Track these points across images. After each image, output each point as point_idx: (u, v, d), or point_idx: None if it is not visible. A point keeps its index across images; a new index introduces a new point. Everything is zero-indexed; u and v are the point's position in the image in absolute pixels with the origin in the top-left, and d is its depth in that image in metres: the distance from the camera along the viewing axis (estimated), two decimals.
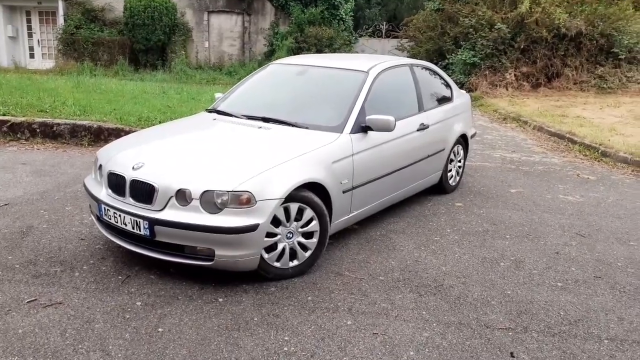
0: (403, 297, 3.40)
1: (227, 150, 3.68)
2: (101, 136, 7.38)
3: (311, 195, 3.54)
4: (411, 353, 2.81)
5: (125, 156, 3.66)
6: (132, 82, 13.10)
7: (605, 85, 14.29)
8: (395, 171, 4.47)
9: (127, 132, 7.28)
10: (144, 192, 3.35)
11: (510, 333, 3.04)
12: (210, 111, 4.67)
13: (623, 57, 14.44)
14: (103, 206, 3.53)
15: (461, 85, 15.13)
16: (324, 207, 3.61)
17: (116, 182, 3.51)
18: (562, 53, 14.53)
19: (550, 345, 2.93)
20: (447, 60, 15.94)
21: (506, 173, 6.75)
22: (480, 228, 4.71)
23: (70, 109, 7.99)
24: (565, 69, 14.68)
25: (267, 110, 4.34)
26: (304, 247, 3.59)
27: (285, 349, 2.80)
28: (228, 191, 3.18)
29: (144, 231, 3.31)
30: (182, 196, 3.25)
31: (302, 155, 3.58)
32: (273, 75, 4.95)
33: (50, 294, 3.28)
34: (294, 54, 14.81)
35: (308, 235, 3.59)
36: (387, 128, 4.03)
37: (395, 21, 19.06)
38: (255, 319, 3.08)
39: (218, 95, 5.03)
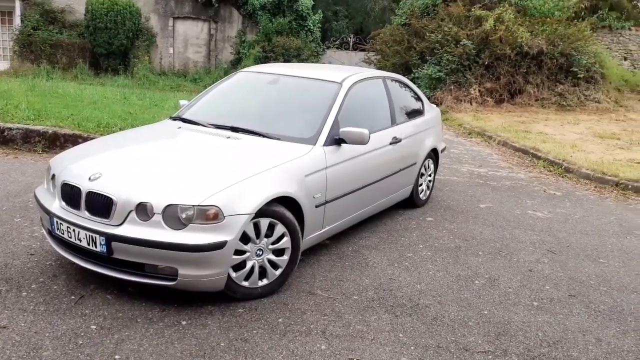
0: (378, 318, 3.24)
1: (193, 162, 3.46)
2: (57, 142, 6.98)
3: (283, 210, 3.35)
4: None
5: (82, 166, 3.39)
6: (91, 86, 12.60)
7: (564, 103, 14.67)
8: (368, 185, 4.33)
9: (85, 139, 6.91)
10: (101, 205, 3.09)
11: (490, 356, 2.92)
12: (174, 119, 4.43)
13: (582, 76, 14.87)
14: (55, 219, 3.25)
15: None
16: (296, 223, 3.43)
17: (70, 194, 3.23)
18: (525, 70, 14.85)
19: None
20: (413, 74, 16.04)
21: (474, 188, 6.73)
22: (452, 244, 4.62)
23: (24, 112, 7.55)
24: (527, 85, 14.99)
25: (236, 119, 4.14)
26: (274, 265, 3.40)
27: None
28: (194, 205, 2.96)
29: (100, 247, 3.05)
30: (143, 210, 3.01)
31: (273, 167, 3.39)
32: (242, 83, 4.75)
33: None
34: (261, 63, 14.62)
35: (279, 252, 3.40)
36: (361, 141, 3.90)
37: (362, 34, 19.15)
38: (222, 344, 2.86)
39: (183, 102, 4.80)
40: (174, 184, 3.13)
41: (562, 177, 7.88)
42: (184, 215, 2.97)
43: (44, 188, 3.61)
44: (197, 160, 3.48)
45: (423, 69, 15.48)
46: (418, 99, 5.62)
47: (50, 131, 7.02)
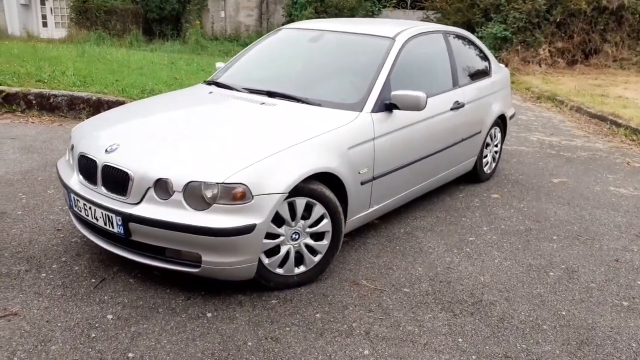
0: (433, 317, 2.76)
1: (221, 132, 3.03)
2: (100, 109, 6.77)
3: (322, 188, 2.89)
4: None
5: (100, 136, 3.06)
6: (141, 52, 12.45)
7: None
8: (424, 158, 3.79)
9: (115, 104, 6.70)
10: (117, 180, 2.74)
11: None
12: (208, 83, 4.02)
13: None
14: (73, 195, 2.94)
15: None
16: (337, 203, 2.96)
17: (87, 167, 2.91)
18: (602, 27, 13.44)
19: None
20: (476, 34, 14.93)
21: (546, 159, 5.99)
22: (522, 226, 4.02)
23: (70, 79, 7.40)
24: (604, 44, 13.60)
25: (273, 83, 3.68)
26: (313, 251, 2.96)
27: None
28: (218, 183, 2.55)
29: (117, 228, 2.71)
30: (163, 187, 2.63)
31: (311, 138, 2.92)
32: (283, 41, 4.26)
33: (7, 300, 2.73)
34: None
35: (318, 236, 2.96)
36: (416, 106, 3.34)
37: None
38: (250, 343, 2.48)
39: (219, 64, 4.37)
40: (197, 158, 2.73)
41: None
42: (207, 194, 2.57)
43: (66, 160, 3.32)
44: (226, 130, 3.05)
45: (487, 27, 14.34)
46: (484, 58, 4.94)
47: (94, 98, 6.83)
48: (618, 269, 3.41)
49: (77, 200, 2.89)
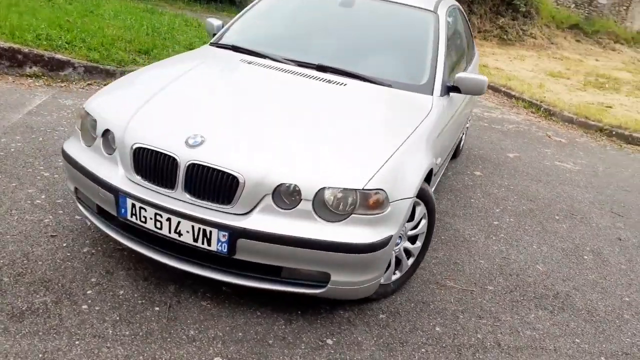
0: (536, 317, 2.72)
1: (315, 121, 2.49)
2: None
3: (426, 186, 2.60)
4: None
5: (164, 122, 2.33)
6: None
7: (505, 37, 14.66)
8: (452, 143, 3.67)
9: (27, 55, 5.35)
10: (213, 184, 2.12)
11: None
12: (222, 46, 3.31)
13: (522, 10, 14.85)
14: (129, 201, 2.21)
15: None
16: (434, 201, 2.70)
17: (154, 164, 2.19)
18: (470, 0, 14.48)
19: None
20: None
21: (486, 132, 6.31)
22: (523, 206, 4.18)
23: None
24: (471, 15, 14.69)
25: (317, 53, 3.17)
26: (408, 254, 2.68)
27: None
28: (357, 190, 2.12)
29: (217, 246, 2.12)
30: (284, 195, 2.11)
31: (414, 131, 2.58)
32: (304, 2, 3.68)
33: (62, 353, 1.99)
34: None
35: (413, 238, 2.68)
36: (479, 91, 3.18)
37: None
38: None
39: (215, 21, 3.63)
40: (318, 158, 2.22)
41: (547, 119, 7.74)
42: (344, 204, 2.11)
43: (81, 145, 2.48)
44: (319, 119, 2.52)
45: None
46: (470, 33, 4.90)
47: None
48: (627, 248, 3.73)
49: (141, 208, 2.18)
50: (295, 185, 2.09)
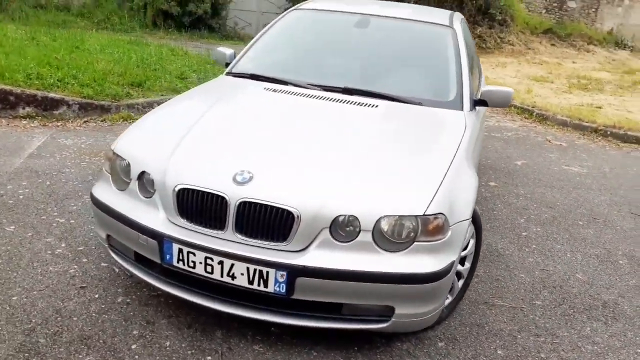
0: (592, 330, 2.64)
1: (359, 147, 2.39)
2: None
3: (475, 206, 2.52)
4: None
5: (205, 160, 2.21)
6: None
7: (484, 45, 14.87)
8: (479, 157, 3.61)
9: (20, 95, 5.18)
10: (268, 222, 2.01)
11: None
12: (239, 75, 3.22)
13: (499, 18, 15.11)
14: (176, 246, 2.07)
15: None
16: (481, 219, 2.62)
17: (201, 205, 2.07)
18: (448, 9, 14.69)
19: None
20: None
21: (487, 141, 6.28)
22: (545, 214, 4.13)
23: None
24: None
25: (338, 76, 3.10)
26: (458, 276, 2.59)
27: None
28: (417, 216, 2.02)
29: (275, 287, 2.00)
30: (342, 227, 2.01)
31: (457, 149, 2.51)
32: (318, 24, 3.61)
33: None
34: None
35: (462, 259, 2.59)
36: (505, 103, 3.14)
37: None
38: None
39: (227, 50, 3.54)
40: (371, 186, 2.13)
41: (542, 124, 7.79)
42: (405, 232, 2.02)
43: (112, 189, 2.34)
44: (363, 142, 2.43)
45: None
46: (473, 43, 4.89)
47: None
48: None
49: (190, 253, 2.05)
50: (354, 216, 1.99)
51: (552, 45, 17.19)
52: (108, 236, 2.39)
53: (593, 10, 20.32)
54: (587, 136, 7.24)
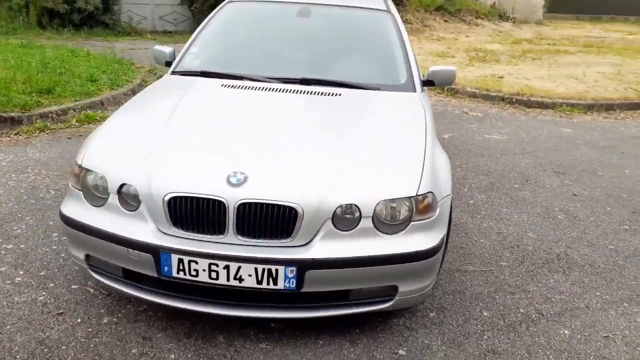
0: (555, 281, 2.94)
1: (339, 134, 2.43)
2: None
3: None
4: None
5: (191, 165, 2.14)
6: None
7: None
8: None
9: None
10: (270, 220, 2.00)
11: None
12: (188, 74, 3.11)
13: None
14: (175, 257, 2.00)
15: None
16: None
17: (196, 212, 2.01)
18: None
19: None
20: None
21: None
22: (484, 182, 4.44)
23: None
24: None
25: (295, 68, 3.11)
26: None
27: None
28: (410, 197, 2.11)
29: (285, 283, 2.00)
30: (344, 216, 2.05)
31: (426, 129, 2.61)
32: (259, 15, 3.56)
33: None
34: None
35: None
36: (450, 80, 3.32)
37: None
38: None
39: (166, 49, 3.40)
40: (365, 173, 2.19)
41: (455, 97, 8.26)
42: (402, 213, 2.10)
43: (86, 206, 2.20)
44: (341, 131, 2.46)
45: None
46: None
47: None
48: (585, 201, 4.11)
49: (192, 261, 1.99)
50: (354, 204, 2.04)
51: (445, 21, 18.14)
52: (87, 256, 2.25)
53: None
54: (496, 105, 7.78)
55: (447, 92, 8.44)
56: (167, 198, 2.02)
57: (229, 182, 2.02)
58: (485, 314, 2.57)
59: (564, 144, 5.78)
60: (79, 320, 2.35)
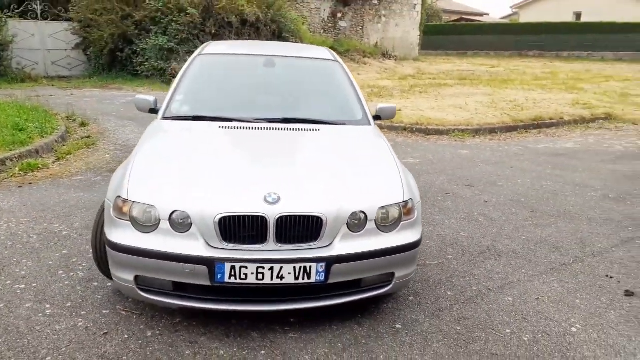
0: (491, 265, 3.74)
1: (333, 159, 3.11)
2: None
3: None
4: None
5: (232, 190, 2.64)
6: None
7: None
8: None
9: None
10: (302, 228, 2.57)
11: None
12: (180, 119, 3.56)
13: (293, 41, 16.70)
14: (228, 265, 2.49)
15: (163, 72, 14.59)
16: None
17: (243, 227, 2.52)
18: (247, 37, 15.76)
19: None
20: (136, 46, 14.99)
21: None
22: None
23: None
24: None
25: (273, 109, 3.72)
26: None
27: None
28: (399, 203, 2.80)
29: (316, 277, 2.57)
30: (356, 221, 2.67)
31: (390, 151, 3.34)
32: (230, 65, 4.10)
33: None
34: None
35: None
36: (392, 115, 4.11)
37: (54, 0, 16.24)
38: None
39: (148, 97, 3.81)
40: (362, 187, 2.83)
41: None
42: (395, 215, 2.78)
43: (136, 234, 2.58)
44: (334, 157, 3.14)
45: (150, 39, 14.61)
46: None
47: None
48: (495, 205, 5.09)
49: (243, 267, 2.48)
50: (363, 211, 2.67)
51: None
52: (136, 277, 2.62)
53: (360, 27, 23.60)
54: (401, 134, 8.87)
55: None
56: (217, 219, 2.50)
57: (266, 201, 2.55)
58: (449, 293, 3.29)
59: (466, 162, 6.88)
60: (126, 336, 2.68)
